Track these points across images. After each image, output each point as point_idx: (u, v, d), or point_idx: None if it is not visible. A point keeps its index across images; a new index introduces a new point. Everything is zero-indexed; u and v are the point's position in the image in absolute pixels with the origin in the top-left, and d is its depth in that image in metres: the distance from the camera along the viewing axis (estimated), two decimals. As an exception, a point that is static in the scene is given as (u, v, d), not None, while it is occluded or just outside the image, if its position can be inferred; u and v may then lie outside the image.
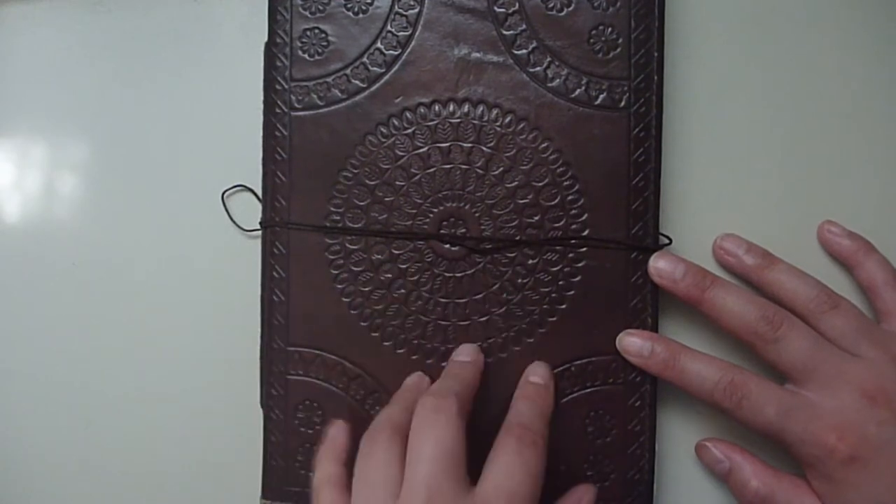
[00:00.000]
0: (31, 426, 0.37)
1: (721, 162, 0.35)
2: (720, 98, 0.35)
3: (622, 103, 0.33)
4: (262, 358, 0.35)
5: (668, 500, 0.35)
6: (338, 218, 0.34)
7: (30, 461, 0.37)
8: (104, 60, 0.37)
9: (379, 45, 0.34)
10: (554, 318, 0.33)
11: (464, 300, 0.34)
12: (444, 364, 0.34)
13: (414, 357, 0.34)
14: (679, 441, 0.35)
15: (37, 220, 0.37)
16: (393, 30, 0.34)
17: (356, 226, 0.34)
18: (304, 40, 0.34)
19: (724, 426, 0.35)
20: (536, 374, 0.32)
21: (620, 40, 0.33)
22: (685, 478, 0.35)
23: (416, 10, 0.34)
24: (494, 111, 0.34)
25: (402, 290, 0.34)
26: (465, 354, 0.33)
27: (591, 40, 0.33)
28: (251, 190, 0.36)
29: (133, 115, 0.37)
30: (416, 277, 0.34)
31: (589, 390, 0.34)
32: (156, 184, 0.37)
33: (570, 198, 0.33)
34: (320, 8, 0.34)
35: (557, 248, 0.33)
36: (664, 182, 0.33)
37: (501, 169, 0.34)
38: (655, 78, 0.33)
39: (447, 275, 0.34)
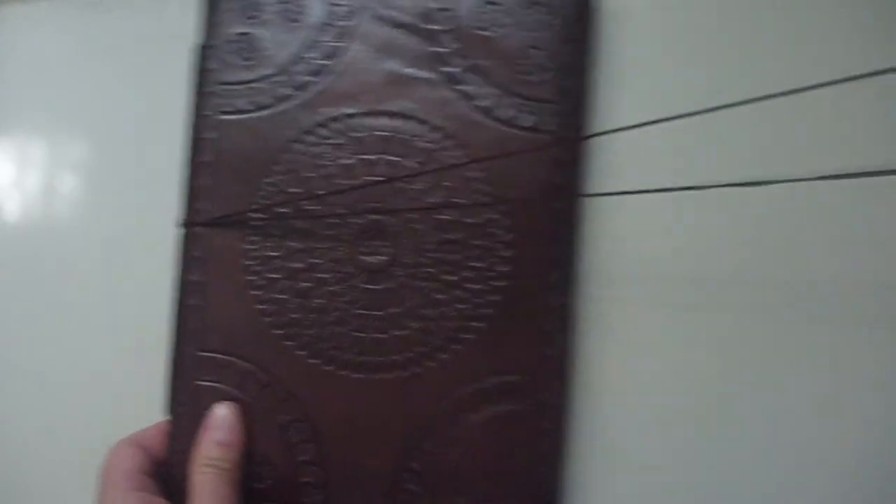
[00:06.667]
0: (29, 425, 0.37)
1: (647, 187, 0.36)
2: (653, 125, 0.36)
3: (548, 126, 0.34)
4: (171, 363, 0.34)
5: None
6: (260, 224, 0.34)
7: (28, 460, 0.37)
8: (104, 60, 0.37)
9: (309, 53, 0.34)
10: (469, 336, 0.34)
11: (381, 313, 0.34)
12: (357, 376, 0.34)
13: (328, 368, 0.34)
14: (591, 466, 0.35)
15: (37, 220, 0.37)
16: (324, 39, 0.34)
17: (277, 234, 0.34)
18: (235, 44, 0.34)
19: (638, 451, 0.35)
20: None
21: (549, 63, 0.34)
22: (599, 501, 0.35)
23: (349, 22, 0.34)
24: (421, 127, 0.34)
25: (320, 300, 0.34)
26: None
27: (521, 62, 0.34)
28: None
29: (133, 115, 0.37)
30: (334, 288, 0.34)
31: (500, 408, 0.33)
32: (156, 184, 0.37)
33: (491, 217, 0.34)
34: (254, 13, 0.34)
35: (478, 265, 0.33)
36: (590, 207, 0.34)
37: (425, 185, 0.34)
38: (582, 102, 0.34)
39: (366, 287, 0.34)
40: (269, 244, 0.34)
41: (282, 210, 0.34)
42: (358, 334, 0.34)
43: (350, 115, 0.34)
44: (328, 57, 0.34)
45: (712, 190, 0.35)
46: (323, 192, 0.34)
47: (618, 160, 0.35)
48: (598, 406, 0.35)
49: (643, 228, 0.36)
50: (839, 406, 0.34)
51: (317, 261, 0.34)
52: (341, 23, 0.34)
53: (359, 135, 0.34)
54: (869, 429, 0.34)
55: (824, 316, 0.35)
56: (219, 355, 0.34)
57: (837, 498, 0.34)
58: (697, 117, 0.36)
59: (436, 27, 0.34)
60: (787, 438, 0.35)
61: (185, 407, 0.34)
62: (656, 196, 0.36)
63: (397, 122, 0.34)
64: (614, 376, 0.35)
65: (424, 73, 0.34)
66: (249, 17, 0.34)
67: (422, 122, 0.34)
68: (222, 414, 0.33)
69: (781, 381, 0.34)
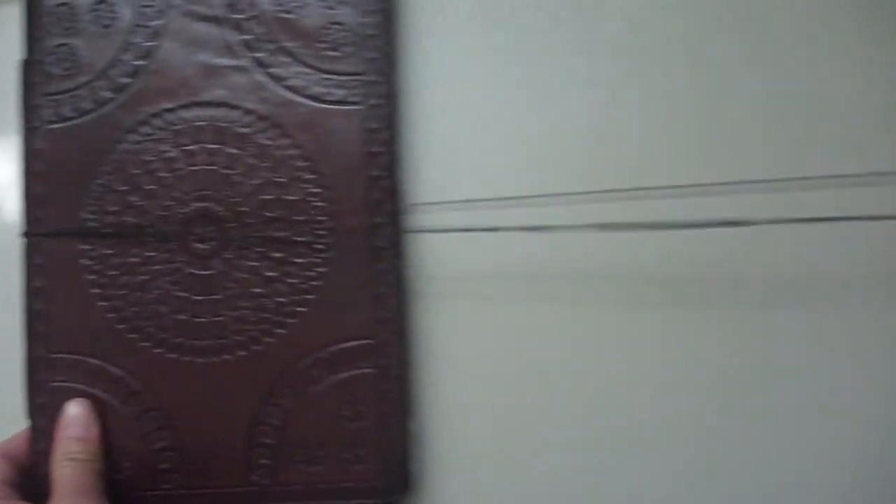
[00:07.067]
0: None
1: (465, 151, 0.37)
2: (461, 88, 0.37)
3: (355, 98, 0.35)
4: (25, 367, 0.35)
5: (431, 479, 0.36)
6: (95, 225, 0.35)
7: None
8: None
9: (124, 56, 0.35)
10: (304, 309, 0.34)
11: (216, 297, 0.35)
12: (200, 360, 0.35)
13: (172, 356, 0.35)
14: (440, 421, 0.36)
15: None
16: (137, 41, 0.35)
17: (111, 232, 0.35)
18: (55, 56, 0.35)
19: (490, 404, 0.36)
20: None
21: (352, 38, 0.35)
22: (448, 456, 0.36)
23: (159, 21, 0.35)
24: (236, 112, 0.35)
25: (158, 291, 0.35)
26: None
27: (325, 39, 0.35)
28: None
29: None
30: (170, 277, 0.35)
31: (342, 376, 0.34)
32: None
33: (311, 191, 0.35)
34: (70, 24, 0.36)
35: (302, 239, 0.35)
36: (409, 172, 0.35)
37: (245, 168, 0.35)
38: (388, 72, 0.35)
39: (199, 273, 0.35)
40: (105, 243, 0.35)
41: (113, 209, 0.35)
42: (197, 320, 0.35)
43: (169, 110, 0.35)
44: (143, 57, 0.35)
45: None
46: (150, 186, 0.35)
47: (432, 124, 0.36)
48: (442, 364, 0.36)
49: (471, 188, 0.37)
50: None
51: (151, 253, 0.35)
52: (152, 23, 0.35)
53: (178, 128, 0.35)
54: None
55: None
56: (68, 355, 0.35)
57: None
58: (506, 85, 0.37)
59: (240, 16, 0.35)
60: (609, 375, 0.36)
61: (43, 409, 0.35)
62: (475, 162, 0.37)
63: (213, 112, 0.35)
64: (455, 335, 0.36)
65: (235, 61, 0.35)
66: (66, 28, 0.36)
67: (236, 108, 0.35)
68: (75, 412, 0.34)
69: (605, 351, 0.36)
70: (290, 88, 0.35)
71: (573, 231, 0.34)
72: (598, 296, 0.36)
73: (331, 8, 0.35)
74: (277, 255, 0.35)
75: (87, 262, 0.35)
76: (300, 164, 0.35)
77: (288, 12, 0.35)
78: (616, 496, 0.36)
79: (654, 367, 0.36)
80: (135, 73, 0.35)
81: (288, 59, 0.35)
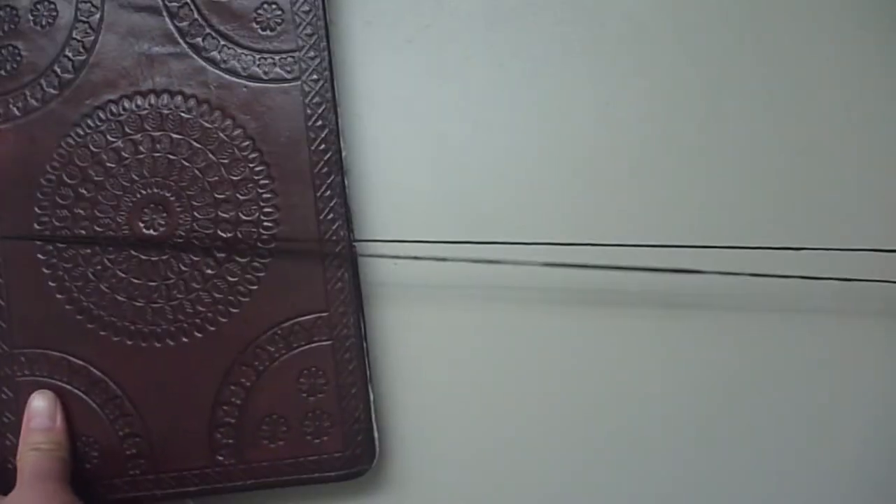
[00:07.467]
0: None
1: (405, 119, 0.37)
2: (399, 58, 0.37)
3: (292, 74, 0.35)
4: (-10, 363, 0.36)
5: (395, 444, 0.36)
6: (46, 219, 0.35)
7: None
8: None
9: (66, 52, 0.36)
10: (254, 287, 0.35)
11: (171, 280, 0.35)
12: (158, 345, 0.35)
13: (130, 342, 0.35)
14: (399, 387, 0.36)
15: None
16: (77, 37, 0.36)
17: (63, 224, 0.35)
18: (-1, 57, 0.36)
19: (446, 374, 0.36)
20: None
21: (286, 16, 0.35)
22: (410, 421, 0.36)
23: (97, 15, 0.36)
24: (177, 98, 0.35)
25: (113, 279, 0.35)
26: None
27: (259, 20, 0.35)
28: None
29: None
30: (123, 265, 0.35)
31: (297, 351, 0.35)
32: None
33: (257, 169, 0.35)
34: (12, 25, 0.36)
35: (249, 218, 0.35)
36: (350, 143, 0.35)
37: (190, 152, 0.35)
38: (323, 45, 0.35)
39: (151, 259, 0.35)
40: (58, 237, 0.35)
41: (64, 202, 0.35)
42: (153, 305, 0.35)
43: (113, 101, 0.36)
44: (84, 51, 0.36)
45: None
46: (99, 177, 0.35)
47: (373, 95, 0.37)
48: (401, 335, 0.36)
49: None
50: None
51: (104, 243, 0.35)
52: (90, 17, 0.36)
53: (122, 118, 0.35)
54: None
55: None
56: (30, 350, 0.35)
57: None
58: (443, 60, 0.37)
59: (175, 4, 0.36)
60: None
61: (9, 404, 0.35)
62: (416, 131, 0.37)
63: (155, 100, 0.35)
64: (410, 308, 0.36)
65: (173, 49, 0.36)
66: (9, 30, 0.36)
67: (177, 94, 0.35)
68: (39, 403, 0.35)
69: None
70: (229, 71, 0.35)
71: (521, 266, 0.34)
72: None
73: (263, -12, 0.35)
74: (228, 234, 0.35)
75: (43, 257, 0.35)
76: (243, 143, 0.35)
77: (221, -4, 0.35)
78: (572, 456, 0.36)
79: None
80: (77, 67, 0.36)
81: (224, 42, 0.35)
